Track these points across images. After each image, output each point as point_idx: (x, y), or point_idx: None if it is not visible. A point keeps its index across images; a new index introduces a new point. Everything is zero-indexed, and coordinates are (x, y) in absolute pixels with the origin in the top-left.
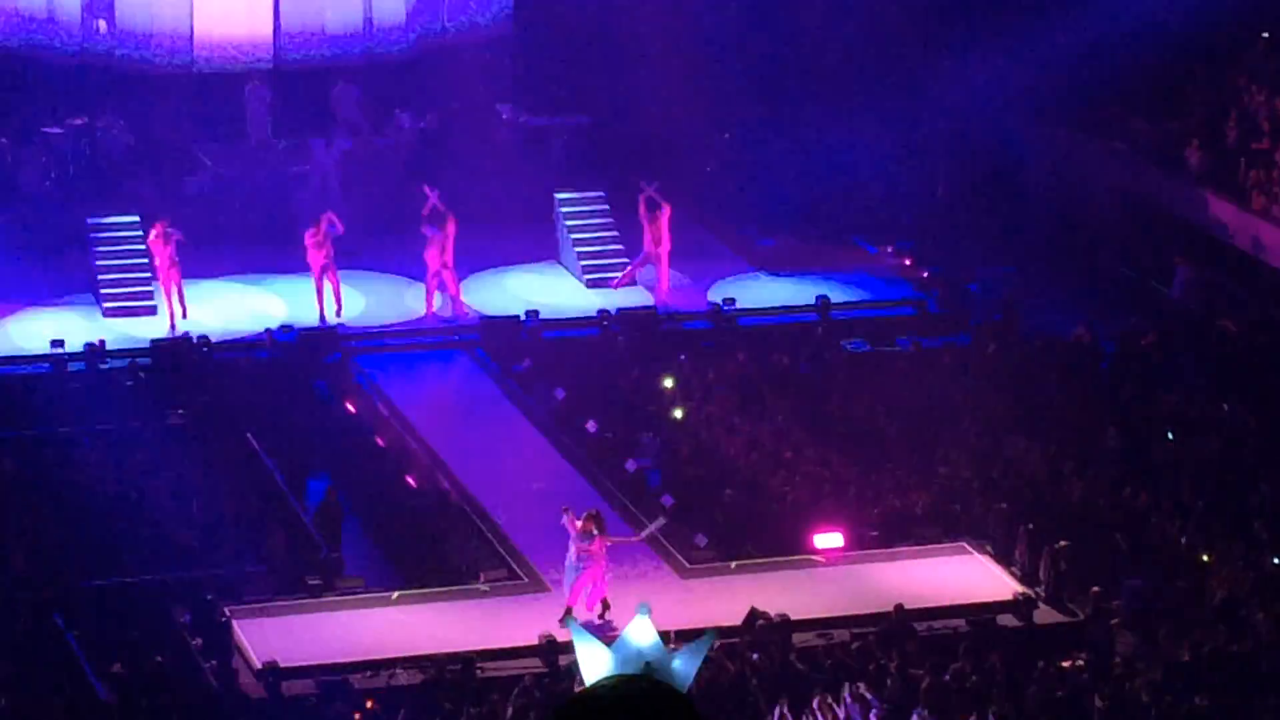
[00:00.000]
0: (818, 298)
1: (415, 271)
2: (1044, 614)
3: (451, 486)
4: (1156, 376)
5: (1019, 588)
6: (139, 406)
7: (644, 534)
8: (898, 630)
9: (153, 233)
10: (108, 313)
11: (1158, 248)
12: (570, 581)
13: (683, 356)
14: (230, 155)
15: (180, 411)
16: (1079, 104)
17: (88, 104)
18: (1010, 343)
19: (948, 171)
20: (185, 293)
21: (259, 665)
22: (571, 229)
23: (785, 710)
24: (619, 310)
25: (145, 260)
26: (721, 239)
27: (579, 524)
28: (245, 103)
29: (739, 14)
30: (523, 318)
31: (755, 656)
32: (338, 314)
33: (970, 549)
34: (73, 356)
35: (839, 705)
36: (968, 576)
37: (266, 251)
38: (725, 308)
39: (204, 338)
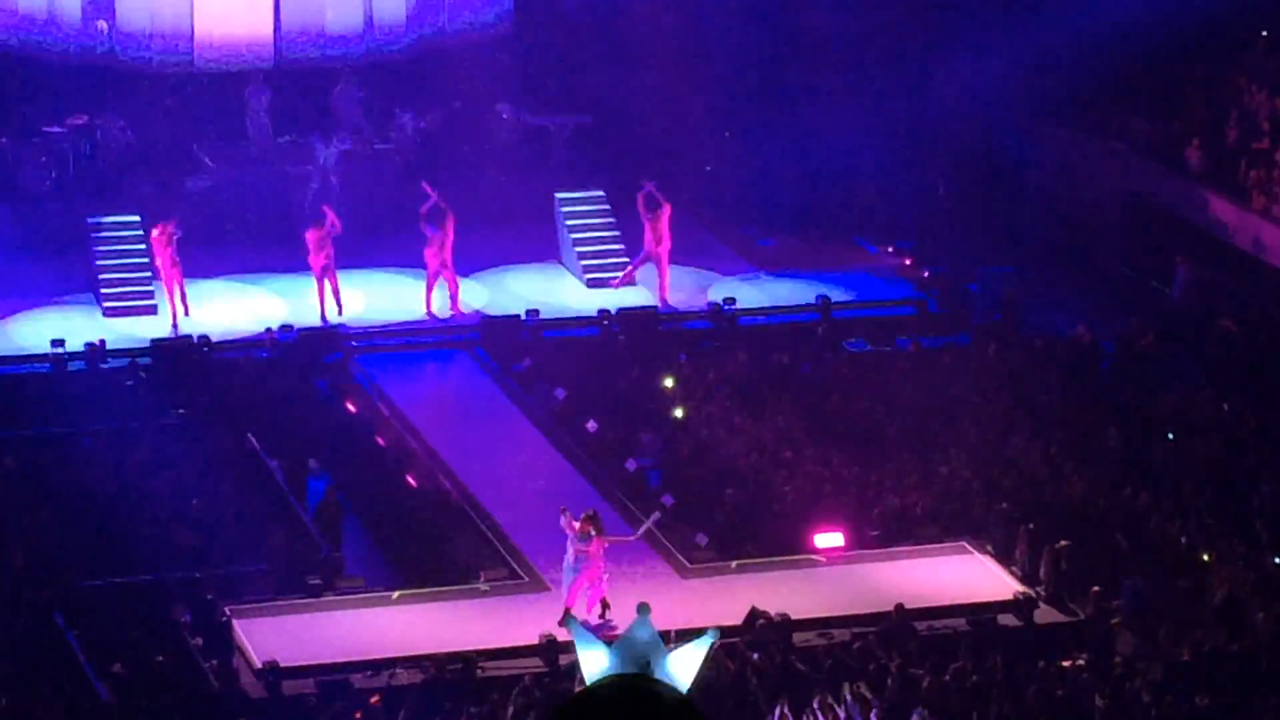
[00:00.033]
0: (818, 297)
1: (416, 271)
2: (1044, 614)
3: (452, 486)
4: (1157, 376)
5: (1019, 587)
6: (139, 406)
7: (639, 532)
8: (898, 630)
9: (155, 231)
10: (108, 312)
11: (1158, 247)
12: (568, 582)
13: (683, 356)
14: (231, 155)
15: (181, 411)
16: (1079, 104)
17: (88, 103)
18: (1010, 343)
19: (948, 171)
20: (186, 291)
21: (259, 665)
22: (572, 228)
23: (785, 710)
24: (619, 310)
25: (145, 260)
26: (722, 239)
27: (576, 525)
28: (246, 103)
29: (739, 13)
30: (523, 317)
31: (755, 656)
32: (339, 313)
33: (971, 549)
34: (73, 356)
35: (839, 705)
36: (968, 576)
37: (267, 251)
38: (726, 307)
39: (204, 337)
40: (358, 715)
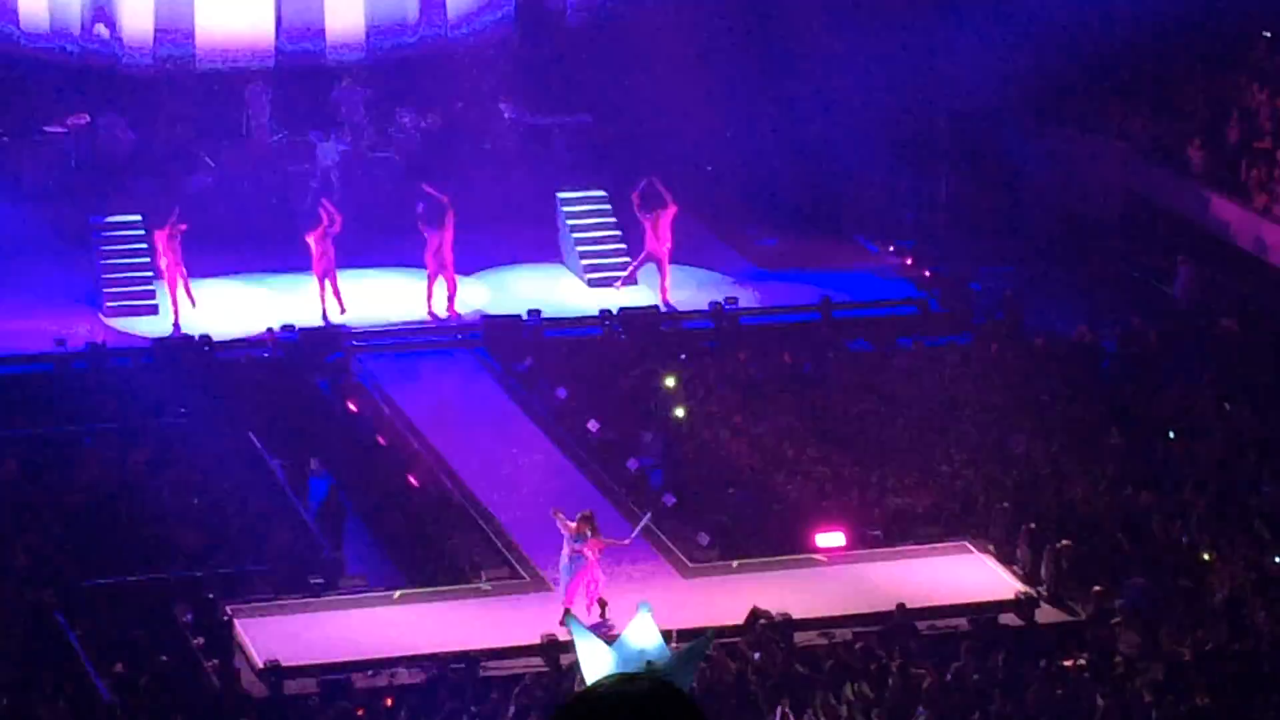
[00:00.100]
0: (820, 297)
1: (417, 270)
2: (1046, 613)
3: (453, 485)
4: (1158, 376)
5: (1021, 587)
6: (141, 406)
7: (632, 535)
8: (899, 629)
9: (164, 231)
10: (110, 312)
11: (1159, 247)
12: (566, 583)
13: (683, 356)
14: (232, 154)
15: (182, 411)
16: (1081, 103)
17: (89, 103)
18: (1012, 342)
19: (949, 171)
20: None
21: (261, 664)
22: (573, 228)
23: (787, 709)
24: (621, 309)
25: (147, 260)
26: (723, 238)
27: (572, 525)
28: (247, 102)
29: (739, 13)
30: (525, 317)
31: (757, 656)
32: (341, 312)
33: (972, 548)
34: (75, 356)
35: (841, 704)
36: (969, 576)
37: (268, 250)
38: (727, 307)
39: (206, 337)
40: (359, 712)
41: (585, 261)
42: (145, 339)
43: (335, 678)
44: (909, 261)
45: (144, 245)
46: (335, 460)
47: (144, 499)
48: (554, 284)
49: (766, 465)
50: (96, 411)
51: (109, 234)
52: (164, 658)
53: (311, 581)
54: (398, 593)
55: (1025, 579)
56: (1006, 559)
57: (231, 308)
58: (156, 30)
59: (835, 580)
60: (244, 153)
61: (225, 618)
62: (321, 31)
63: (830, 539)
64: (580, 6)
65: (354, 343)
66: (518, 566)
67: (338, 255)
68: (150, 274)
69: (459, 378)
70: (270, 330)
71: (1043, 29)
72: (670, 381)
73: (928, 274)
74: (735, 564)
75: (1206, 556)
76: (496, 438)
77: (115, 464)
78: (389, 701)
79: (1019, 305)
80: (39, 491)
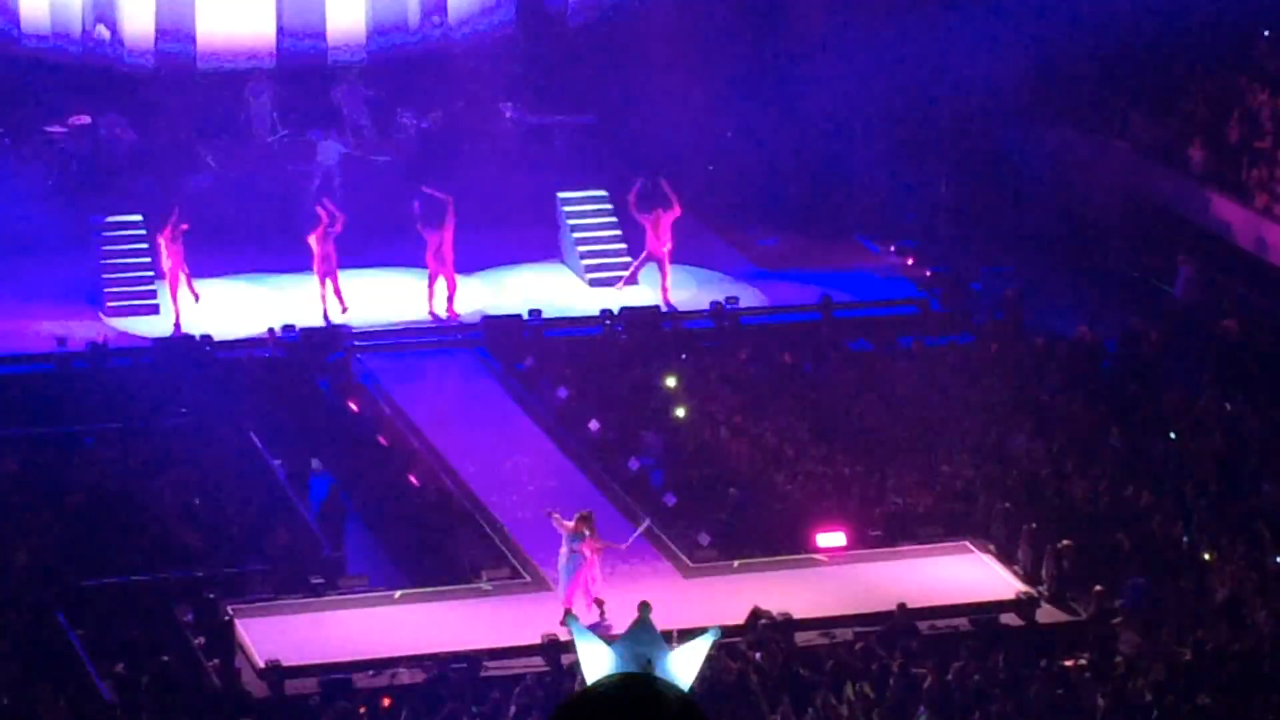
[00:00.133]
0: (820, 297)
1: (418, 270)
2: (1046, 613)
3: (454, 485)
4: (1159, 375)
5: (1021, 587)
6: (141, 405)
7: (629, 541)
8: (900, 629)
9: (166, 231)
10: (110, 311)
11: (1160, 246)
12: (565, 583)
13: (684, 356)
14: (233, 153)
15: (183, 410)
16: (1082, 102)
17: (90, 103)
18: (1012, 342)
19: (950, 171)
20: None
21: (262, 664)
22: (574, 228)
23: (788, 709)
24: (622, 309)
25: (148, 259)
26: (724, 238)
27: (570, 525)
28: (247, 101)
29: (740, 13)
30: (525, 317)
31: (758, 656)
32: (343, 312)
33: (973, 548)
34: (76, 355)
35: (841, 704)
36: (970, 575)
37: (269, 250)
38: (728, 307)
39: (207, 336)
40: (362, 710)
41: (586, 261)
42: (146, 339)
43: (336, 678)
44: (910, 261)
45: (145, 245)
46: (336, 460)
47: (145, 499)
48: (555, 284)
49: (767, 465)
50: (97, 411)
51: (110, 234)
52: (165, 658)
53: (312, 581)
54: (398, 593)
55: (1026, 579)
56: (1007, 559)
57: (232, 307)
58: (157, 31)
59: (836, 580)
60: (245, 152)
61: (226, 618)
62: (322, 32)
63: (831, 539)
64: (581, 7)
65: (355, 342)
66: (518, 566)
67: (339, 255)
68: (151, 274)
69: (460, 378)
70: (271, 330)
71: (1043, 29)
72: (671, 381)
73: (928, 274)
74: (736, 564)
75: (1207, 556)
76: (497, 438)
77: (116, 464)
78: (386, 701)
79: (1020, 305)
80: (40, 491)
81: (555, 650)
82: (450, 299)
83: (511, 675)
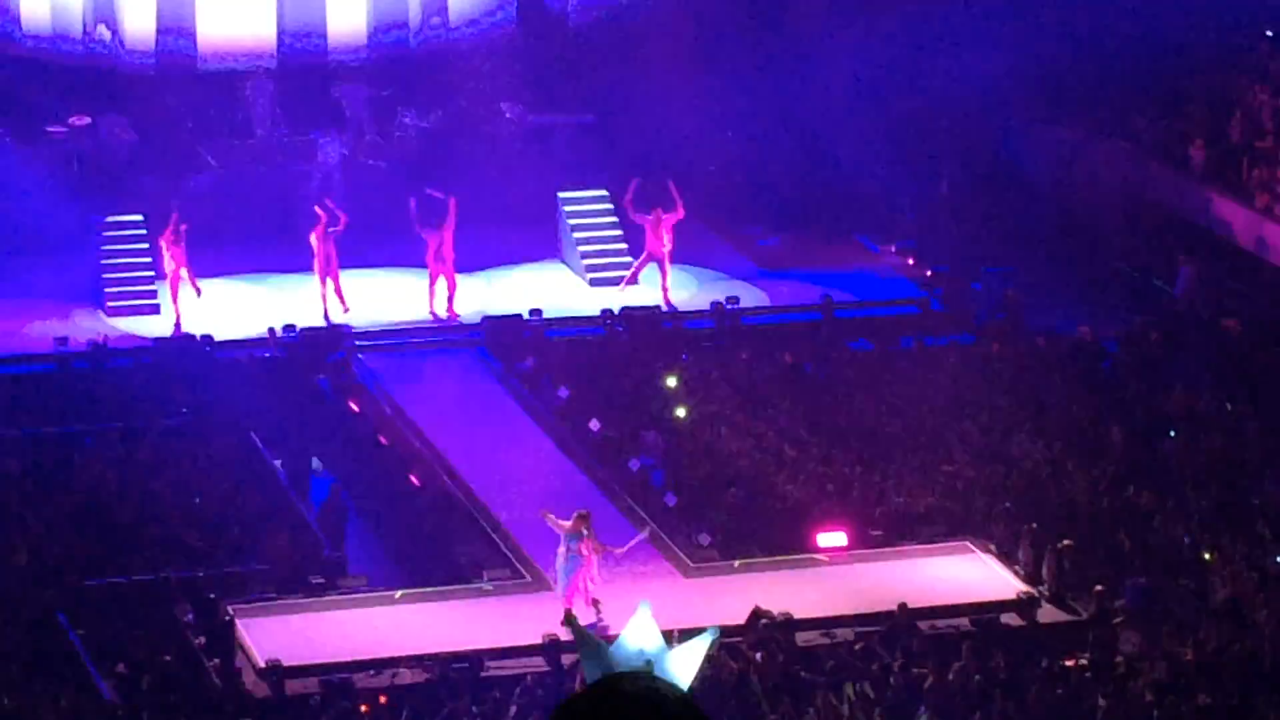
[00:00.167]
0: (821, 297)
1: (419, 270)
2: (1047, 613)
3: (455, 485)
4: (1160, 375)
5: (1022, 587)
6: (142, 405)
7: (625, 548)
8: (901, 629)
9: (167, 232)
10: (111, 311)
11: (1161, 246)
12: (564, 583)
13: (685, 355)
14: (233, 153)
15: (184, 410)
16: (1082, 102)
17: (91, 104)
18: (1013, 342)
19: (951, 170)
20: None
21: (262, 664)
22: (575, 228)
23: (788, 709)
24: (623, 309)
25: (149, 259)
26: (724, 238)
27: (566, 524)
28: (248, 99)
29: (741, 13)
30: (526, 316)
31: (758, 656)
32: (344, 312)
33: (974, 548)
34: (76, 355)
35: (842, 704)
36: (971, 575)
37: (270, 249)
38: (728, 307)
39: (207, 336)
40: (364, 709)
41: (586, 261)
42: (146, 339)
43: (337, 677)
44: (910, 261)
45: (146, 245)
46: (337, 460)
47: (145, 499)
48: (555, 283)
49: (768, 465)
50: (97, 411)
51: (111, 234)
52: (166, 658)
53: (313, 581)
54: (399, 593)
55: (1027, 579)
56: (1008, 559)
57: (232, 307)
58: (158, 31)
59: (837, 580)
60: (246, 152)
61: (227, 617)
62: (323, 32)
63: (832, 538)
64: (582, 7)
65: (355, 342)
66: (519, 566)
67: (341, 254)
68: (151, 274)
69: (460, 377)
70: (272, 330)
71: (1045, 28)
72: (672, 381)
73: (929, 273)
74: (736, 564)
75: (1208, 556)
76: (498, 437)
77: (117, 464)
78: (383, 699)
79: (1020, 305)
80: (41, 491)
81: (556, 650)
82: (451, 299)
83: (512, 675)
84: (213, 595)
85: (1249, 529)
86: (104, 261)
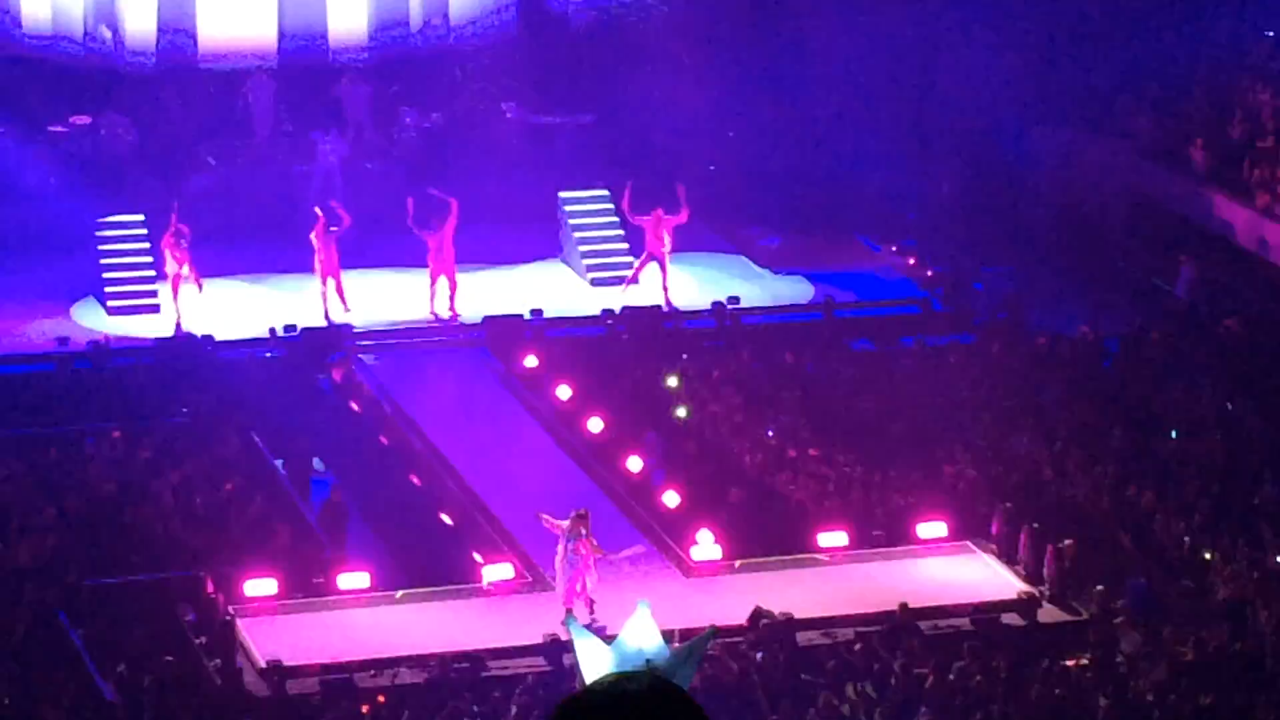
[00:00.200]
0: (822, 296)
1: (420, 270)
2: (1048, 613)
3: (456, 485)
4: (1161, 375)
5: (1023, 587)
6: (143, 405)
7: (619, 555)
8: (902, 629)
9: (168, 235)
10: (112, 311)
11: (1162, 246)
12: (563, 583)
13: (686, 355)
14: (235, 153)
15: (184, 410)
16: (1083, 102)
17: (91, 103)
18: (1014, 341)
19: (952, 170)
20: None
21: (263, 664)
22: (576, 227)
23: (789, 709)
24: (623, 309)
25: (150, 259)
26: (725, 238)
27: (564, 524)
28: (249, 97)
29: (742, 14)
30: (527, 316)
31: (759, 655)
32: (346, 311)
33: (975, 548)
34: (77, 355)
35: (843, 704)
36: (972, 575)
37: (271, 249)
38: (729, 306)
39: (207, 336)
40: (365, 709)
41: (587, 261)
42: (147, 339)
43: (337, 677)
44: (911, 261)
45: (146, 245)
46: (337, 460)
47: (146, 499)
48: (556, 283)
49: (769, 464)
50: (99, 411)
51: (111, 234)
52: (167, 658)
53: (314, 581)
54: (400, 592)
55: (1028, 579)
56: (1009, 559)
57: (232, 307)
58: (159, 31)
59: (838, 580)
60: (246, 152)
61: (228, 617)
62: (324, 32)
63: (833, 538)
64: (583, 7)
65: (357, 342)
66: (519, 566)
67: (342, 254)
68: (152, 273)
69: (461, 377)
70: (273, 330)
71: (1044, 28)
72: (672, 381)
73: (930, 273)
74: (737, 563)
75: (1208, 556)
76: (499, 437)
77: (117, 464)
78: (383, 699)
79: (1021, 304)
80: (41, 491)
81: (556, 650)
82: (452, 298)
83: (512, 675)
84: (214, 595)
85: (1249, 529)
86: (104, 261)
